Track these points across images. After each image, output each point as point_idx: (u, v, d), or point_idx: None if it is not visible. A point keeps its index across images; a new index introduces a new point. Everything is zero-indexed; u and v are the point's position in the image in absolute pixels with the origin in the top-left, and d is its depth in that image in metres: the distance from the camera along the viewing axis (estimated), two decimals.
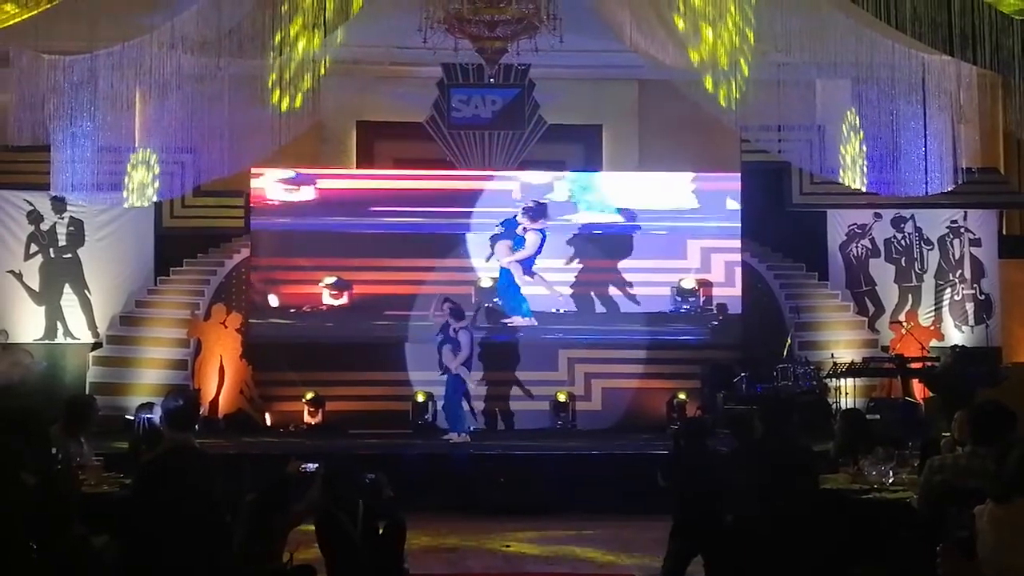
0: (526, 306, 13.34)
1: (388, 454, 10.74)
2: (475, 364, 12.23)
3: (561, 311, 13.46)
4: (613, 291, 13.50)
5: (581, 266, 13.48)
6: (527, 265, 13.36)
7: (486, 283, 13.38)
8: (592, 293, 13.52)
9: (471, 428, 12.02)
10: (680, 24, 11.07)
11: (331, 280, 13.41)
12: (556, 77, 13.40)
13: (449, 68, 13.16)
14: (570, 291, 13.47)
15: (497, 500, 9.87)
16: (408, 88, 13.63)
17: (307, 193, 13.50)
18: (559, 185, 13.63)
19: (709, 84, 11.29)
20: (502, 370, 13.21)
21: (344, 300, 13.38)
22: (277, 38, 10.80)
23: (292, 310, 13.34)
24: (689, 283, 13.40)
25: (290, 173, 13.44)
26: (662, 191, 13.58)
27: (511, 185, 13.61)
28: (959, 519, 4.03)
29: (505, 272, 13.32)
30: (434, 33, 10.51)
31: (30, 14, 10.36)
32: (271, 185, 13.41)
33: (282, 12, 10.68)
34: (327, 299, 13.38)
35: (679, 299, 13.40)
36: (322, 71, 11.49)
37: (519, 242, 13.35)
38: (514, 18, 10.52)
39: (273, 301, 13.33)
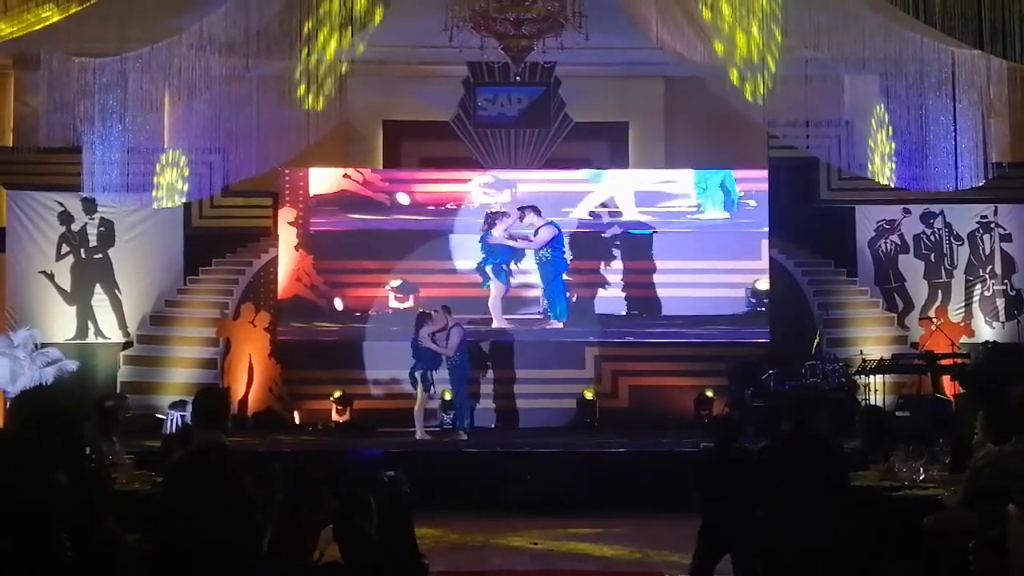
0: (561, 307, 13.24)
1: (415, 452, 10.78)
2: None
3: (624, 313, 13.43)
4: (681, 292, 13.44)
5: (654, 267, 13.48)
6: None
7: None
8: (659, 293, 13.52)
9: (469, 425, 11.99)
10: (707, 19, 11.05)
11: (397, 283, 13.35)
12: (582, 75, 13.39)
13: (475, 67, 13.17)
14: (628, 293, 13.45)
15: (524, 498, 9.88)
16: (434, 87, 13.66)
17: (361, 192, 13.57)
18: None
19: (736, 80, 11.24)
20: (528, 368, 13.25)
21: (410, 303, 13.26)
22: (304, 38, 10.86)
23: (358, 314, 13.34)
24: (764, 284, 13.33)
25: (334, 172, 13.56)
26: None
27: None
28: (991, 517, 4.00)
29: (544, 270, 13.24)
30: (460, 32, 10.53)
31: (60, 17, 10.47)
32: (314, 185, 13.52)
33: (309, 13, 10.75)
34: (392, 303, 13.34)
35: (754, 300, 13.33)
36: (348, 71, 11.53)
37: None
38: (540, 16, 10.53)
39: (339, 304, 13.34)
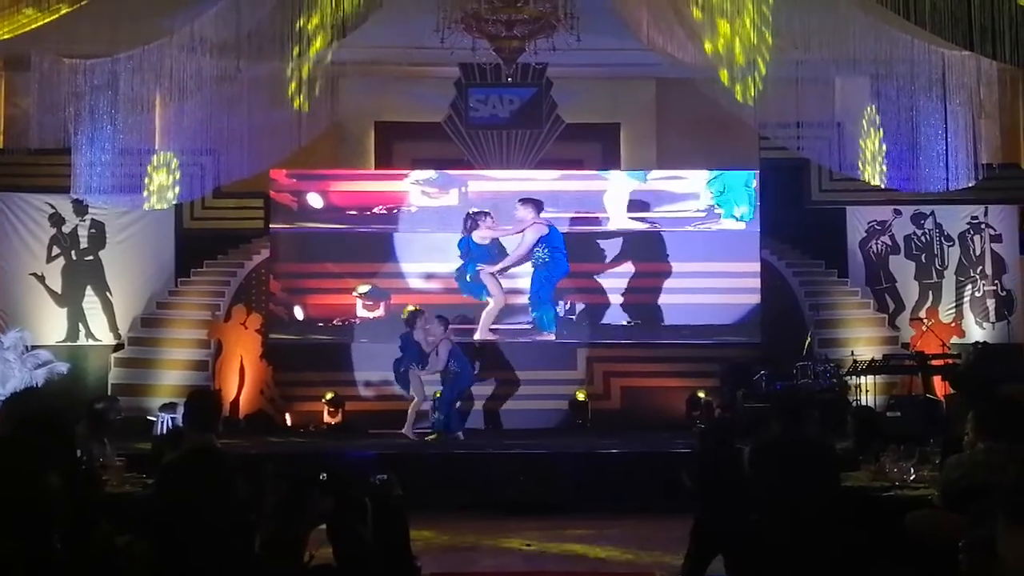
0: (549, 317, 13.03)
1: (407, 454, 10.78)
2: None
3: (631, 323, 13.27)
4: (672, 296, 13.32)
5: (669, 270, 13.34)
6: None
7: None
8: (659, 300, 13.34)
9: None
10: (698, 21, 11.07)
11: (365, 289, 13.09)
12: (574, 76, 13.38)
13: (467, 68, 13.16)
14: (625, 300, 13.30)
15: (516, 499, 9.87)
16: (426, 88, 13.65)
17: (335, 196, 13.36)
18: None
19: (727, 81, 11.26)
20: (519, 369, 13.25)
21: (380, 312, 13.08)
22: (296, 40, 10.85)
23: (320, 324, 13.07)
24: (756, 285, 13.24)
25: (312, 175, 13.41)
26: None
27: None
28: (981, 516, 4.00)
29: (537, 274, 13.01)
30: (451, 33, 10.53)
31: (51, 18, 10.45)
32: (293, 188, 13.38)
33: (300, 14, 10.74)
34: (361, 311, 13.14)
35: (745, 302, 13.24)
36: (340, 72, 11.53)
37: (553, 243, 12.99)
38: (531, 17, 10.54)
39: (299, 314, 13.11)
